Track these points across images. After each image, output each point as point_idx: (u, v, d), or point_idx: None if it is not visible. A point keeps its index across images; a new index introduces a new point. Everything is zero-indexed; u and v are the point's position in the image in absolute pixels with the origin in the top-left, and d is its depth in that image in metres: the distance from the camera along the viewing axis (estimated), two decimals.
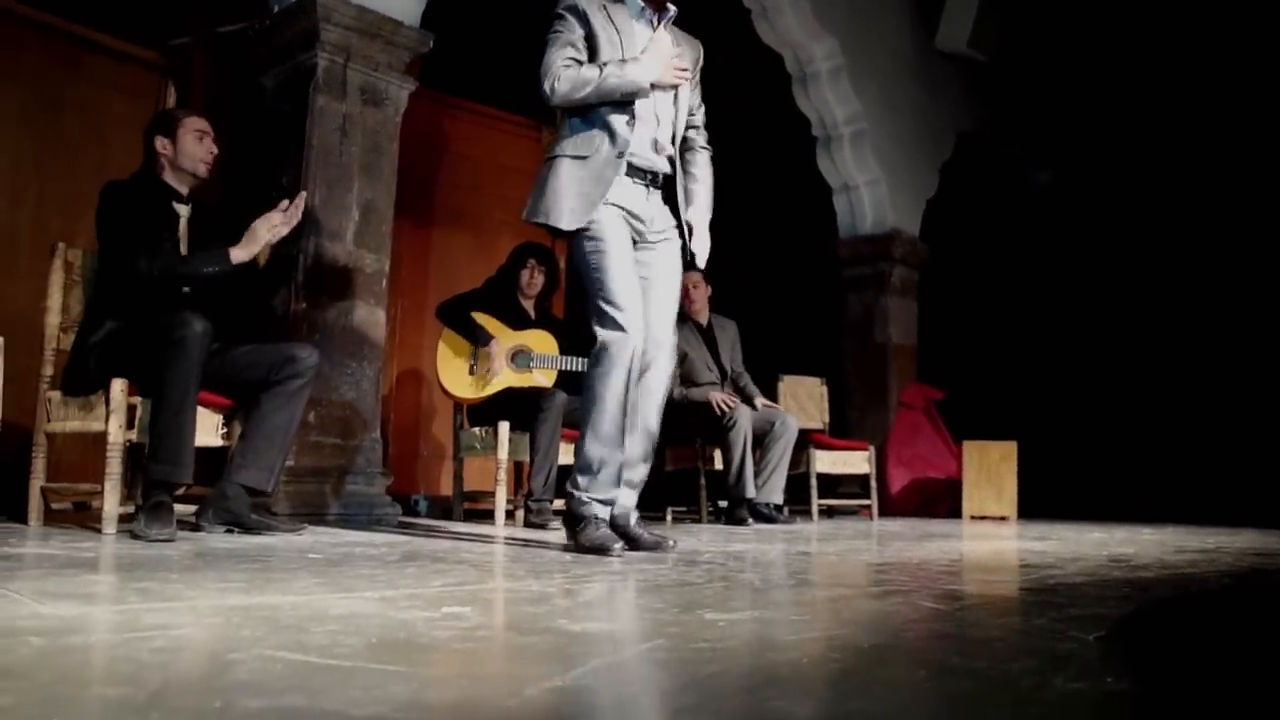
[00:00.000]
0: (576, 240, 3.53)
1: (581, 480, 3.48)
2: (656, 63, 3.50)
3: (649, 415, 3.62)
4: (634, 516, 3.63)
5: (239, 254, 3.85)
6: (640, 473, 3.64)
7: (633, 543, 3.51)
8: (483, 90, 7.41)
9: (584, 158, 3.51)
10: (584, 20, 3.55)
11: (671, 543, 3.56)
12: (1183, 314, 8.92)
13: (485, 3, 6.79)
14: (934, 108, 9.12)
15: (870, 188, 8.66)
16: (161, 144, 3.95)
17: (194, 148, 3.97)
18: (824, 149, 8.68)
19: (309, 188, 4.96)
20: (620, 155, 3.51)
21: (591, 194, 3.49)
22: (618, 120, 3.52)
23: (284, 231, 3.97)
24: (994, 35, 8.95)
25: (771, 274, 9.22)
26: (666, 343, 3.65)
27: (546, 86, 3.49)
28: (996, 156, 10.03)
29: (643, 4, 3.64)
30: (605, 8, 3.60)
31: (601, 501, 3.48)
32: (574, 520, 3.50)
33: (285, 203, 3.95)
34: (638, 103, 3.52)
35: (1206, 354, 8.65)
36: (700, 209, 3.78)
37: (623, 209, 3.56)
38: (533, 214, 3.55)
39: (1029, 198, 10.21)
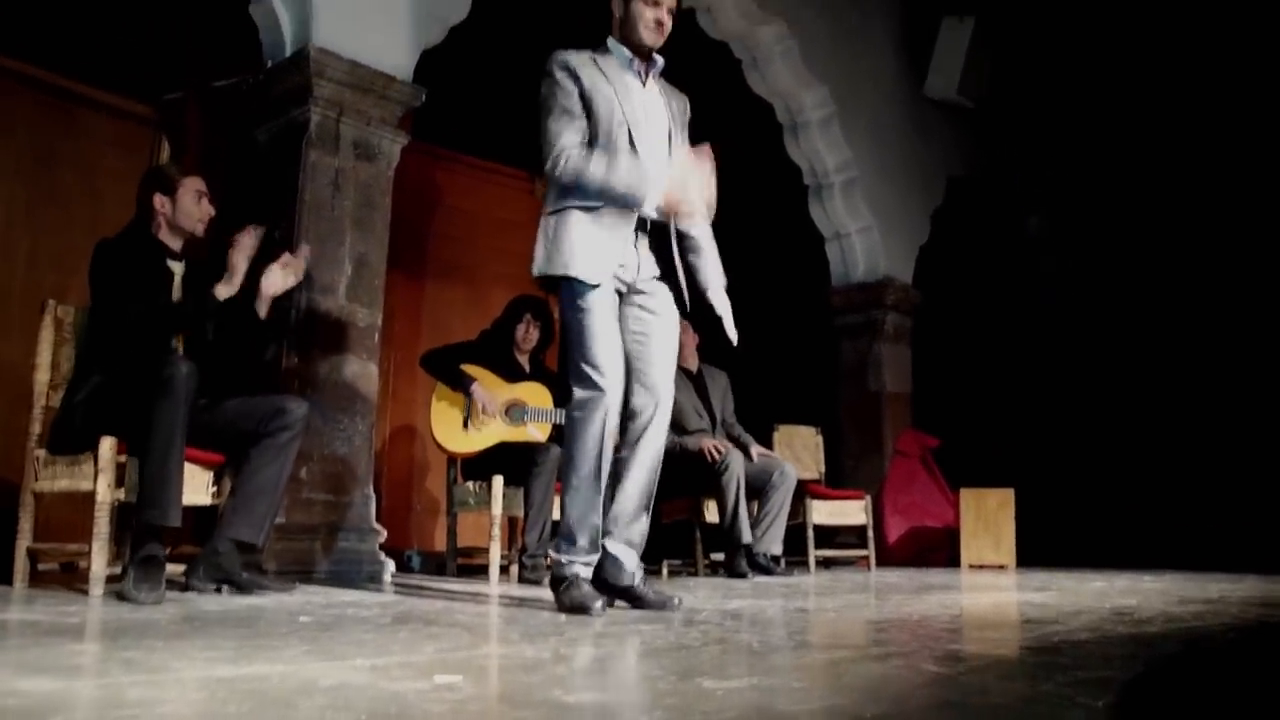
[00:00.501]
0: (565, 294, 3.49)
1: (562, 542, 3.45)
2: (659, 190, 3.45)
3: (645, 468, 3.57)
4: (639, 575, 3.56)
5: (223, 290, 3.84)
6: (638, 529, 3.57)
7: (637, 602, 3.46)
8: (475, 143, 7.43)
9: (595, 209, 3.44)
10: (575, 79, 3.52)
11: (677, 601, 3.49)
12: (1179, 357, 8.90)
13: (477, 56, 6.81)
14: (924, 154, 9.16)
15: (862, 235, 8.67)
16: (160, 202, 3.94)
17: (193, 207, 3.96)
18: (815, 197, 8.70)
19: (301, 241, 4.94)
20: (635, 208, 3.46)
21: (609, 247, 3.44)
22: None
23: (293, 283, 4.01)
24: (983, 82, 9.00)
25: (764, 323, 9.17)
26: (664, 394, 3.60)
27: (550, 163, 3.46)
28: (987, 202, 10.05)
29: (630, 55, 3.62)
30: (595, 60, 3.58)
31: (583, 562, 3.42)
32: (555, 581, 3.45)
33: (286, 255, 3.95)
34: (640, 155, 3.48)
35: (1204, 397, 8.62)
36: (718, 288, 3.72)
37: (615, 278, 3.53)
38: (547, 267, 3.48)
39: (1020, 243, 10.22)
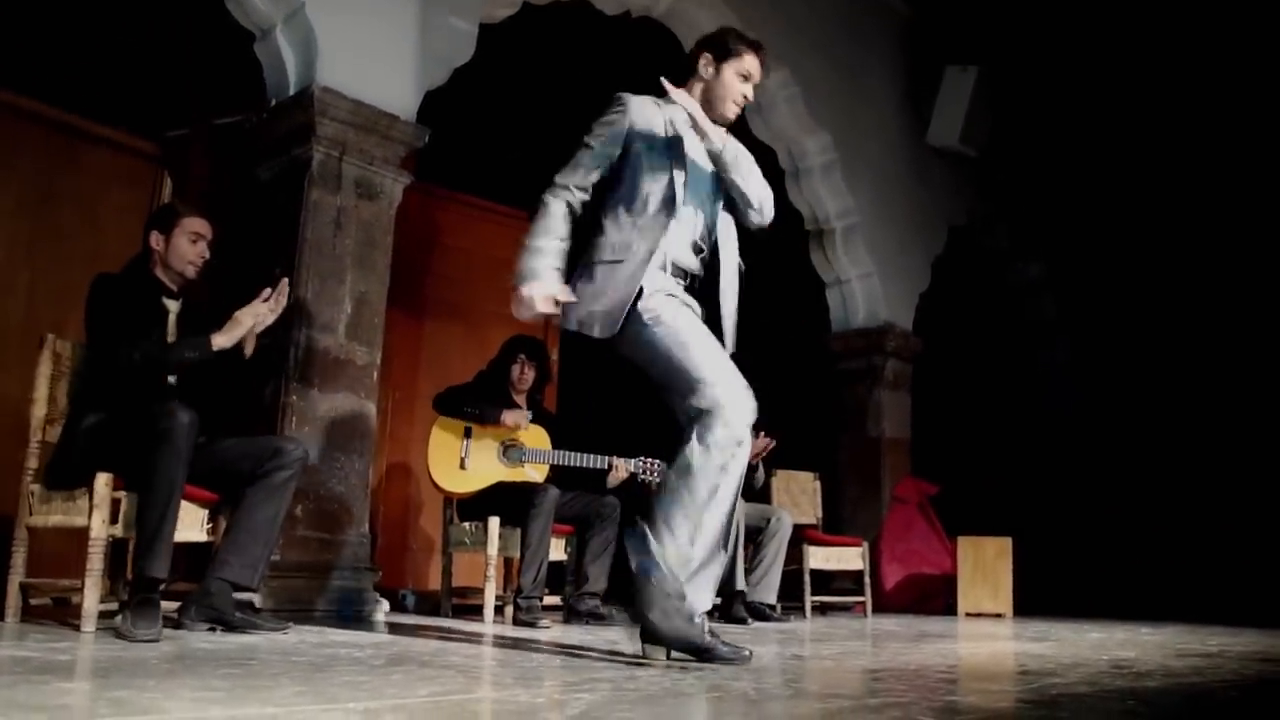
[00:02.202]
0: (631, 334, 3.24)
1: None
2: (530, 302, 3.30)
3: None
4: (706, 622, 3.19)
5: (220, 340, 3.79)
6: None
7: (705, 655, 3.06)
8: (476, 183, 7.45)
9: (619, 262, 3.27)
10: (630, 119, 3.40)
11: (747, 653, 3.13)
12: (1180, 408, 8.90)
13: (480, 97, 6.85)
14: (926, 202, 9.19)
15: (863, 281, 8.68)
16: (155, 239, 3.94)
17: (186, 249, 3.94)
18: (816, 243, 8.72)
19: (302, 279, 4.96)
20: (648, 257, 3.26)
21: (626, 297, 3.22)
22: (649, 222, 3.32)
23: (270, 320, 3.91)
24: (985, 131, 9.04)
25: (764, 368, 9.20)
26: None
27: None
28: (988, 250, 10.08)
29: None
30: (659, 105, 3.47)
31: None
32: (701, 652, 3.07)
33: (267, 291, 3.90)
34: (678, 204, 3.32)
35: (1205, 448, 8.61)
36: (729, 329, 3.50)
37: (673, 296, 3.34)
38: (567, 323, 3.30)
39: (1021, 291, 10.25)
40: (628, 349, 3.27)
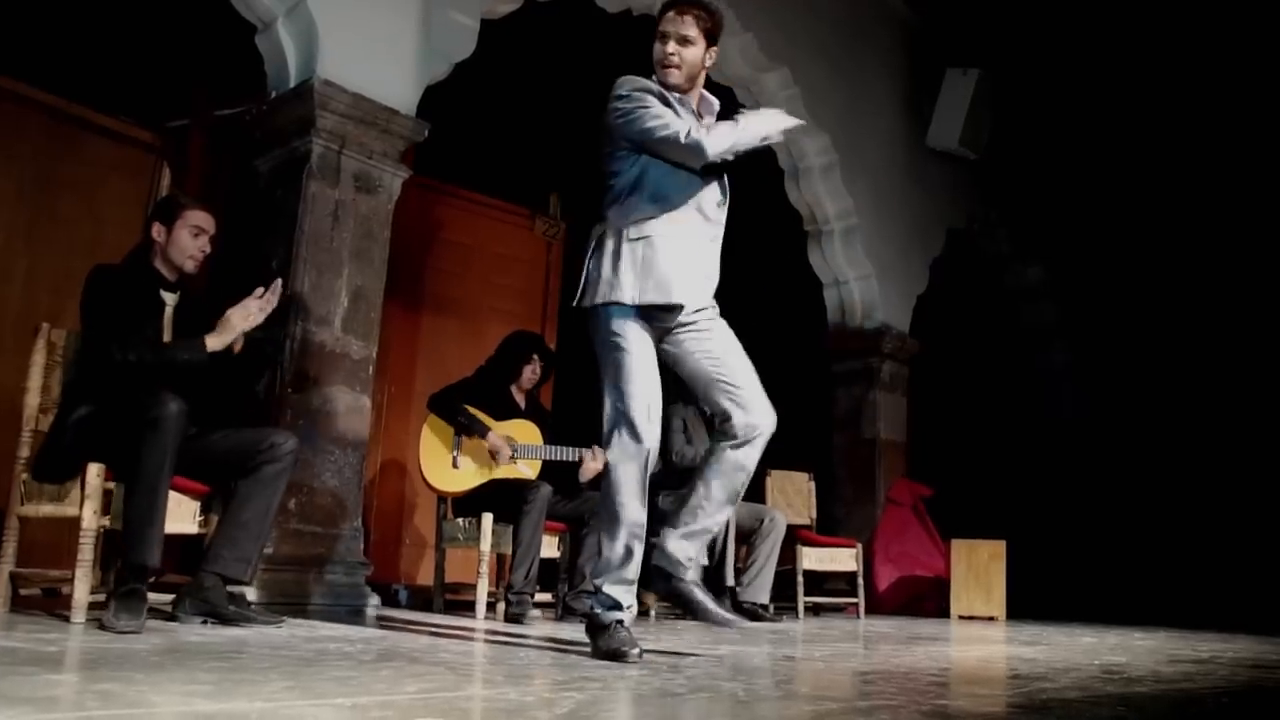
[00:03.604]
0: (600, 322, 3.35)
1: (604, 590, 3.30)
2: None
3: (735, 489, 3.40)
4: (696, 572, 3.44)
5: (213, 342, 3.76)
6: (718, 520, 3.44)
7: (690, 607, 3.35)
8: (476, 178, 7.44)
9: (681, 222, 3.34)
10: (654, 95, 3.41)
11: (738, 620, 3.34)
12: (1174, 412, 8.90)
13: (480, 92, 6.84)
14: (925, 204, 9.19)
15: (860, 283, 8.68)
16: (157, 230, 3.91)
17: (186, 242, 3.90)
18: (815, 243, 8.71)
19: (299, 272, 4.95)
20: (714, 232, 3.39)
21: (704, 267, 3.36)
22: (709, 194, 3.40)
23: (260, 319, 3.88)
24: (985, 134, 9.03)
25: (760, 367, 9.19)
26: (764, 412, 3.42)
27: (691, 142, 3.30)
28: (986, 253, 10.07)
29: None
30: (662, 90, 3.47)
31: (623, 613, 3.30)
32: (594, 629, 3.29)
33: (260, 289, 3.88)
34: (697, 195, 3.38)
35: (1201, 454, 8.61)
36: None
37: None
38: (644, 294, 3.28)
39: (1019, 294, 10.24)
40: (593, 336, 3.39)
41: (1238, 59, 8.46)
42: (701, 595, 3.34)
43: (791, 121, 3.46)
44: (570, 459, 5.35)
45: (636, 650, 3.13)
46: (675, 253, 3.33)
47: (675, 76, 3.45)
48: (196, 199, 4.15)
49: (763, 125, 3.38)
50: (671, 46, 3.43)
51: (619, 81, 3.44)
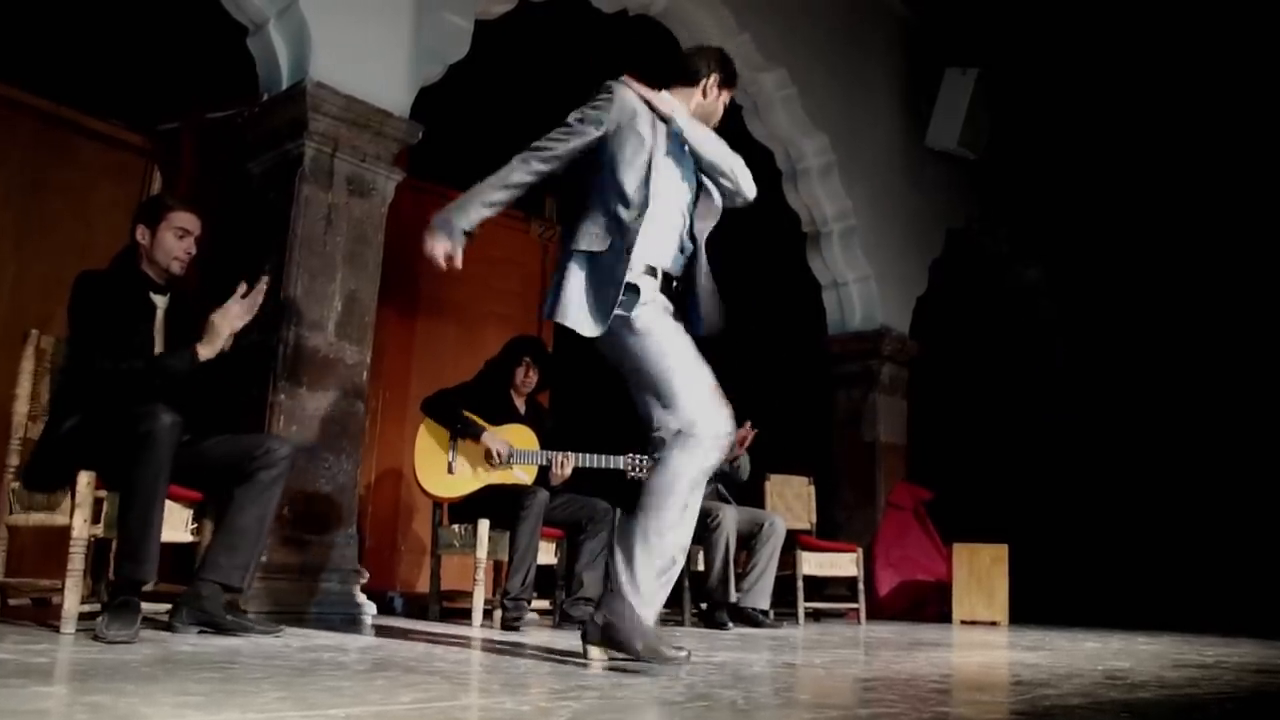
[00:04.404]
0: (619, 337, 3.28)
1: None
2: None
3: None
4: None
5: (205, 351, 3.73)
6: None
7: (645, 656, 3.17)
8: (470, 181, 7.35)
9: (598, 254, 3.29)
10: (617, 111, 3.39)
11: (685, 653, 3.20)
12: (1179, 415, 8.86)
13: (474, 94, 6.80)
14: (924, 205, 9.15)
15: (860, 284, 8.65)
16: (141, 233, 3.87)
17: (172, 244, 3.86)
18: (813, 245, 8.68)
19: (292, 276, 4.91)
20: (627, 251, 3.25)
21: (608, 294, 3.24)
22: (625, 214, 3.30)
23: (246, 319, 3.84)
24: (984, 134, 9.00)
25: (759, 370, 9.17)
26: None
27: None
28: (986, 254, 10.04)
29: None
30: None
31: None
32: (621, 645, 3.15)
33: (243, 287, 3.83)
34: (653, 201, 3.31)
35: (1204, 456, 8.57)
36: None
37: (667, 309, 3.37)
38: (552, 314, 3.32)
39: (1019, 295, 10.20)
40: (611, 350, 3.32)
41: (1237, 59, 8.43)
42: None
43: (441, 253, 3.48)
44: (593, 465, 5.32)
45: (685, 652, 3.16)
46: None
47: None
48: (181, 200, 4.10)
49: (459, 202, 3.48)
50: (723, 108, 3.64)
51: (607, 85, 3.46)
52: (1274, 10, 7.69)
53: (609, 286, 3.24)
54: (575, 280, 3.30)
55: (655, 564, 3.15)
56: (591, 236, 3.32)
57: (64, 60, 5.62)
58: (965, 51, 8.95)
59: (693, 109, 3.52)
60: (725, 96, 3.61)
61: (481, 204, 3.41)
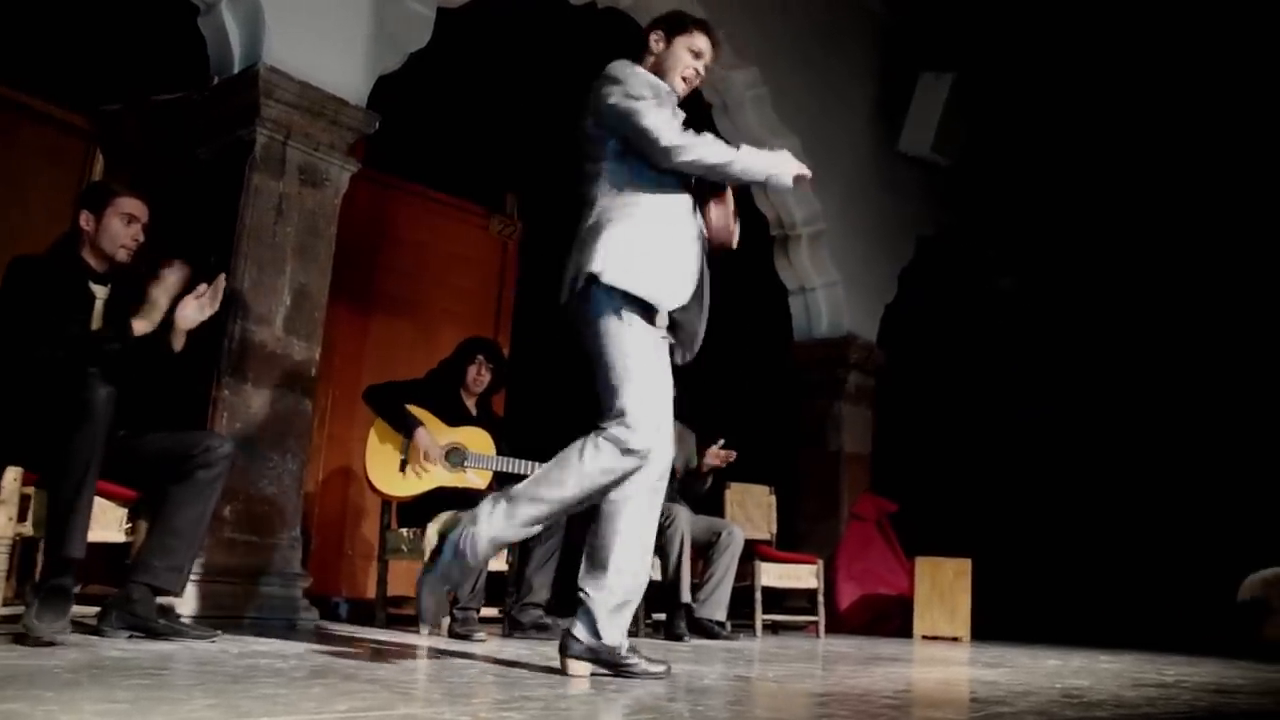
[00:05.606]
0: (601, 318, 3.18)
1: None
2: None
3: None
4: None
5: (142, 325, 3.63)
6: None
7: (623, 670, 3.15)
8: (429, 174, 7.26)
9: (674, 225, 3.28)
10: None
11: (665, 668, 3.21)
12: (1144, 431, 8.81)
13: (435, 84, 6.67)
14: (894, 211, 9.08)
15: (827, 290, 8.57)
16: (85, 218, 3.75)
17: (118, 230, 3.75)
18: (781, 249, 8.60)
19: (239, 268, 4.77)
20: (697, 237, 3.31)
21: (688, 267, 3.26)
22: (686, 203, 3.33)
23: (203, 317, 3.79)
24: (958, 141, 8.94)
25: (721, 376, 9.06)
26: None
27: (674, 150, 3.21)
28: (957, 262, 9.98)
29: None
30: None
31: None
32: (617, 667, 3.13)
33: (202, 287, 3.76)
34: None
35: (1170, 472, 8.52)
36: None
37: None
38: (620, 280, 3.16)
39: (990, 304, 10.14)
40: (585, 327, 3.22)
41: (1213, 65, 8.42)
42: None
43: (801, 169, 3.36)
44: (524, 472, 5.15)
45: (665, 667, 3.20)
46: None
47: (683, 90, 3.49)
48: (125, 186, 3.97)
49: (767, 163, 3.32)
50: (700, 68, 3.51)
51: (618, 64, 3.40)
52: (1249, 18, 7.68)
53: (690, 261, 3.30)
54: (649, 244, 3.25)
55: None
56: (659, 202, 3.31)
57: (0, 35, 5.44)
58: (940, 56, 8.89)
59: (649, 67, 3.46)
60: (684, 41, 3.47)
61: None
